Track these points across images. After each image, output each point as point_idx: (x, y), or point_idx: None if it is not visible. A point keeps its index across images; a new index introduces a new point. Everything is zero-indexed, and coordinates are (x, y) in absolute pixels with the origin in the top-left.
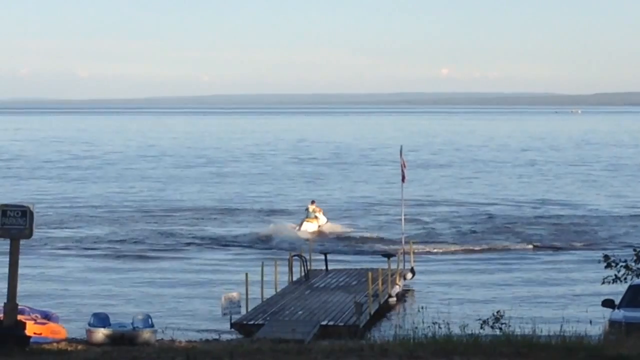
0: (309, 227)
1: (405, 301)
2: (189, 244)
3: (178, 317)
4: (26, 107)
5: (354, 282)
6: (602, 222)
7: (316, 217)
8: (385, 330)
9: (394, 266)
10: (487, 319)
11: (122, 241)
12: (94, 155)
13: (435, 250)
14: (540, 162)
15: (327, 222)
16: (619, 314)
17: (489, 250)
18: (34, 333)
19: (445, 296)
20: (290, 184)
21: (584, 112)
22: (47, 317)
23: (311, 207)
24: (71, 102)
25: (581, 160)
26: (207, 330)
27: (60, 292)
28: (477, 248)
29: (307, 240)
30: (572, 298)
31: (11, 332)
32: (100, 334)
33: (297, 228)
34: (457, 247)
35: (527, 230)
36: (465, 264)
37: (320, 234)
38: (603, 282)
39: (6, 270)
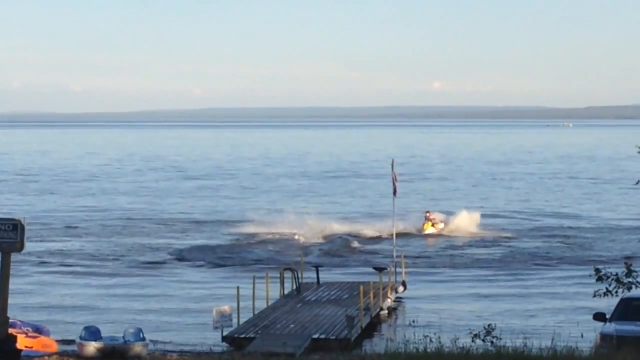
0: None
1: (396, 314)
2: (180, 258)
3: (169, 331)
4: (19, 120)
5: (346, 296)
6: (597, 235)
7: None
8: (377, 344)
9: (385, 279)
10: (479, 332)
11: (109, 255)
12: (81, 169)
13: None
14: (531, 175)
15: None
16: (610, 327)
17: (482, 263)
18: (25, 346)
19: (437, 309)
20: (281, 196)
21: (576, 125)
22: (38, 330)
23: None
24: (65, 116)
25: (571, 172)
26: (198, 344)
27: (50, 305)
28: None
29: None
30: (564, 311)
31: (2, 346)
32: (92, 347)
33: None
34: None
35: (519, 243)
36: (456, 276)
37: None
38: (594, 296)
39: None
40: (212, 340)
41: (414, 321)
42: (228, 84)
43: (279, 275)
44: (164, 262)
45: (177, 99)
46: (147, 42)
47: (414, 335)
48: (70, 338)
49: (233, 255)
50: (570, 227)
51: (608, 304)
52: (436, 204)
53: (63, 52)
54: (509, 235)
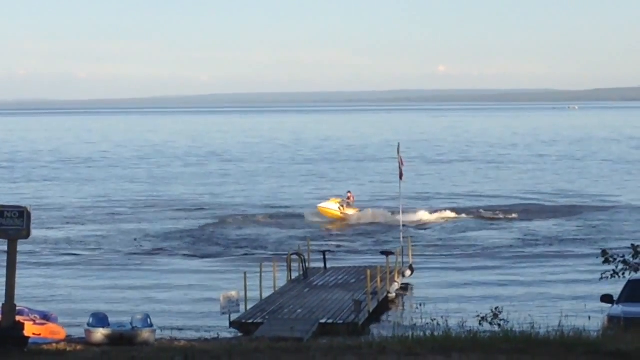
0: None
1: (403, 298)
2: (186, 244)
3: (177, 317)
4: (25, 108)
5: (353, 280)
6: (607, 216)
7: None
8: (384, 328)
9: (392, 263)
10: (486, 315)
11: (118, 242)
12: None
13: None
14: (538, 157)
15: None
16: (618, 309)
17: (491, 247)
18: (33, 334)
19: (444, 293)
20: (288, 181)
21: (581, 107)
22: (46, 317)
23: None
24: (70, 103)
25: (580, 154)
26: (206, 330)
27: (57, 293)
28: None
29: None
30: (571, 293)
31: (10, 333)
32: (99, 334)
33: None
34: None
35: (528, 225)
36: (463, 260)
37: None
38: (601, 278)
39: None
40: (220, 325)
41: (421, 305)
42: (235, 70)
43: (286, 260)
44: (170, 250)
45: (183, 85)
46: (153, 29)
47: (422, 319)
48: (77, 325)
49: (234, 241)
50: (581, 207)
51: (615, 286)
52: (442, 186)
53: (68, 39)
54: (516, 217)
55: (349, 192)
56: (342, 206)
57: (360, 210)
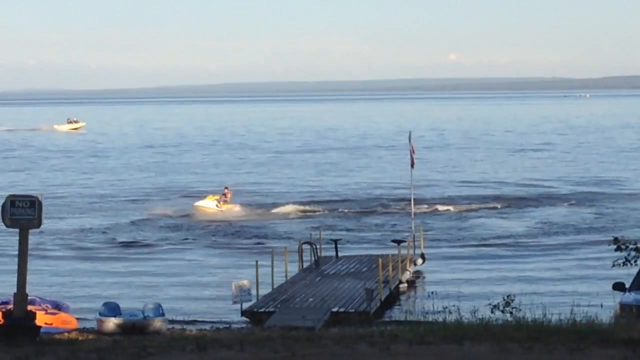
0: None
1: (415, 287)
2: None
3: (188, 306)
4: (35, 97)
5: (365, 269)
6: (621, 203)
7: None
8: (396, 316)
9: (404, 252)
10: (498, 303)
11: (126, 232)
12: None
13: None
14: (551, 144)
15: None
16: (630, 297)
17: (502, 235)
18: (45, 323)
19: (456, 282)
20: (297, 171)
21: (593, 95)
22: (57, 307)
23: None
24: (80, 93)
25: (593, 142)
26: (217, 319)
27: (68, 282)
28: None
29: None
30: (583, 281)
31: (21, 323)
32: (111, 323)
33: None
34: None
35: (541, 213)
36: (475, 249)
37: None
38: (613, 265)
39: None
40: (231, 314)
41: (433, 293)
42: (243, 59)
43: (297, 249)
44: (181, 240)
45: (192, 74)
46: (162, 19)
47: (433, 307)
48: (89, 315)
49: (247, 232)
50: (594, 194)
51: (627, 274)
52: (454, 174)
53: (78, 29)
54: (528, 205)
55: (225, 187)
56: (220, 203)
57: (238, 207)
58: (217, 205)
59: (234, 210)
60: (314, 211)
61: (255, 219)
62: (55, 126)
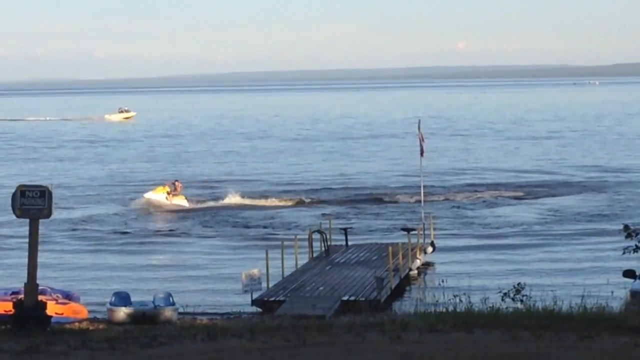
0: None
1: (425, 275)
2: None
3: (199, 295)
4: (43, 87)
5: (375, 257)
6: (632, 190)
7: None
8: (406, 305)
9: (414, 240)
10: (508, 291)
11: (136, 223)
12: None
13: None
14: (560, 132)
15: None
16: None
17: (513, 223)
18: (56, 313)
19: (466, 269)
20: (309, 159)
21: (602, 83)
22: (68, 297)
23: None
24: (89, 83)
25: (603, 129)
26: (228, 308)
27: (78, 272)
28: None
29: None
30: (593, 269)
31: (32, 313)
32: (122, 313)
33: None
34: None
35: (553, 201)
36: (485, 237)
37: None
38: (624, 253)
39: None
40: (242, 303)
41: (443, 281)
42: (251, 49)
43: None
44: (190, 230)
45: (200, 64)
46: (169, 8)
47: (444, 296)
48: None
49: (259, 221)
50: (605, 182)
51: (639, 261)
52: (464, 162)
53: (86, 19)
54: (539, 193)
55: (176, 180)
56: (170, 195)
57: (185, 200)
58: (166, 198)
59: (180, 203)
60: (324, 201)
61: (262, 207)
62: (107, 116)
